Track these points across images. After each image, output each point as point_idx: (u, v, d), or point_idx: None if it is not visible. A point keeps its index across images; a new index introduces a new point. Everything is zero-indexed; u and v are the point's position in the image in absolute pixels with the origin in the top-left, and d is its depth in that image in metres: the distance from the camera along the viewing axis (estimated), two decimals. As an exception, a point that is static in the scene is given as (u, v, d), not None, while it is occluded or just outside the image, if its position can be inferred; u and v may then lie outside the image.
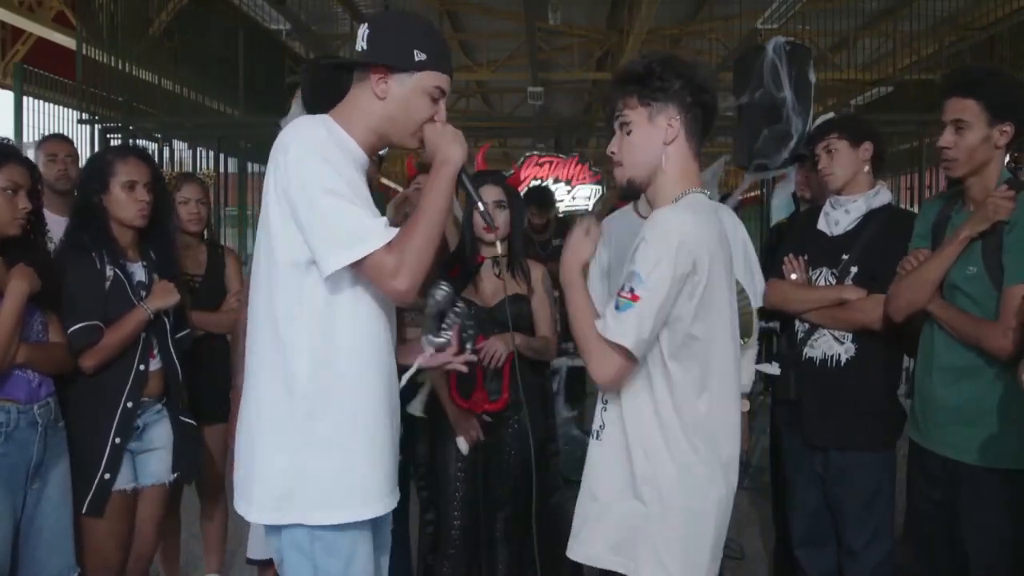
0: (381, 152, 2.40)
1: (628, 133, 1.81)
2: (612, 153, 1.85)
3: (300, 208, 1.67)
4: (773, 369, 2.81)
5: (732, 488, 1.86)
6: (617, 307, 1.69)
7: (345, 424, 1.75)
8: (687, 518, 1.77)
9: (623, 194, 1.93)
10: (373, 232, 1.66)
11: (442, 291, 1.99)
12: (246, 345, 1.84)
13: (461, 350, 2.00)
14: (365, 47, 1.77)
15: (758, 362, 2.81)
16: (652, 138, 1.79)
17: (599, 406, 1.88)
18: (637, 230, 1.81)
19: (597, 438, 1.85)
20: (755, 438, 4.78)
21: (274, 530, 1.79)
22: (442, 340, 1.98)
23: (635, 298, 1.67)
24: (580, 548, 1.86)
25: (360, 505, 1.77)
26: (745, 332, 2.56)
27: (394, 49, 1.75)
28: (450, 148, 1.77)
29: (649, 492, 1.76)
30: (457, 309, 2.00)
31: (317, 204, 1.66)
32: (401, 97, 1.77)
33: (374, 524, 1.83)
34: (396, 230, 1.70)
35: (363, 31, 1.79)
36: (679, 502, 1.76)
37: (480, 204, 1.92)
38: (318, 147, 1.69)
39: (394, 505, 1.86)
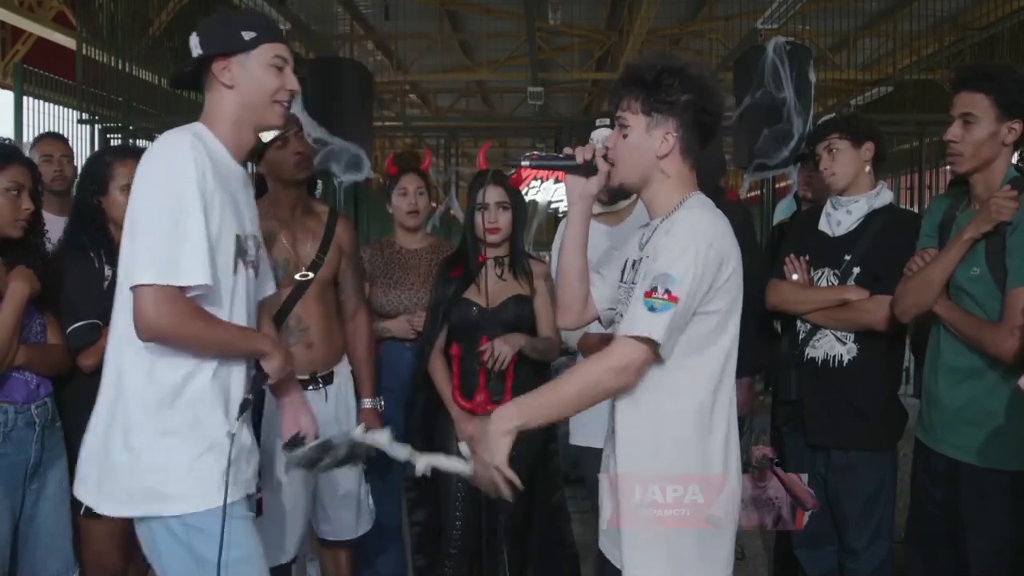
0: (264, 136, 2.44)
1: (625, 136, 1.81)
2: (607, 148, 1.85)
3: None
4: None
5: None
6: (652, 308, 1.68)
7: (193, 414, 1.81)
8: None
9: (612, 196, 1.93)
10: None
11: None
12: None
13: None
14: (200, 50, 1.87)
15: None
16: (646, 148, 1.79)
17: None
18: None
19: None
20: (755, 438, 4.77)
21: (141, 522, 1.83)
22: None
23: (673, 299, 1.67)
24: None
25: (217, 491, 1.80)
26: None
27: (224, 38, 1.86)
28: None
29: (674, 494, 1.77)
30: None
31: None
32: (247, 77, 1.86)
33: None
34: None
35: (194, 40, 1.88)
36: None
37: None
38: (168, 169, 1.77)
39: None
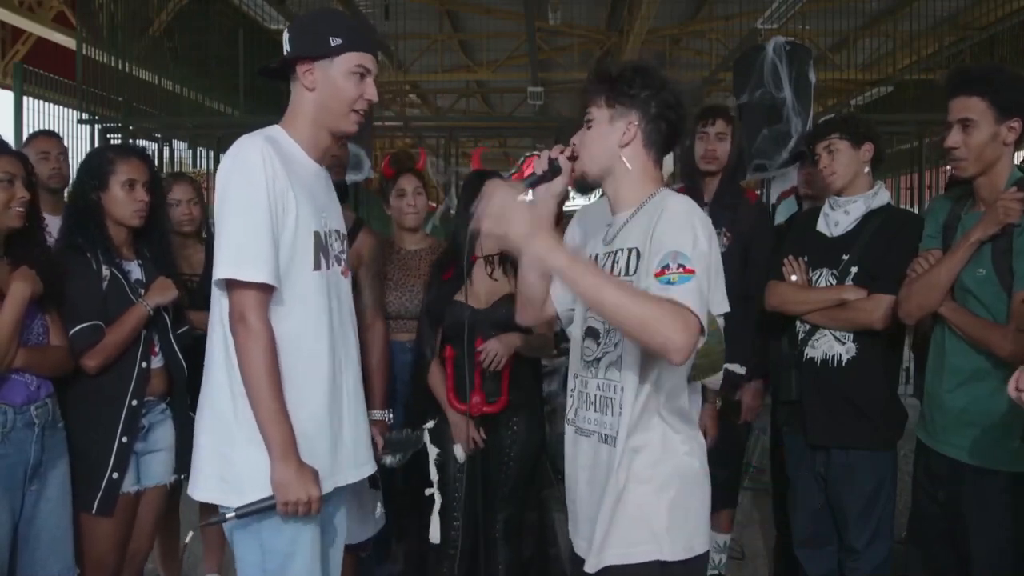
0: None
1: (588, 127, 1.85)
2: (573, 145, 1.89)
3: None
4: (739, 369, 2.94)
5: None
6: (670, 283, 1.63)
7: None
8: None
9: (577, 187, 1.95)
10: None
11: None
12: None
13: None
14: (289, 49, 1.91)
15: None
16: (609, 137, 1.83)
17: (590, 413, 1.86)
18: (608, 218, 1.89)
19: (612, 444, 1.80)
20: (755, 438, 4.78)
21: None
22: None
23: (690, 271, 1.64)
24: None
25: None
26: (713, 368, 2.50)
27: (311, 41, 1.89)
28: None
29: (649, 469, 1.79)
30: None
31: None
32: (327, 82, 1.90)
33: (324, 514, 1.93)
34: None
35: (286, 36, 1.91)
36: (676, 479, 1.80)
37: None
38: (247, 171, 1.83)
39: (329, 489, 1.92)
